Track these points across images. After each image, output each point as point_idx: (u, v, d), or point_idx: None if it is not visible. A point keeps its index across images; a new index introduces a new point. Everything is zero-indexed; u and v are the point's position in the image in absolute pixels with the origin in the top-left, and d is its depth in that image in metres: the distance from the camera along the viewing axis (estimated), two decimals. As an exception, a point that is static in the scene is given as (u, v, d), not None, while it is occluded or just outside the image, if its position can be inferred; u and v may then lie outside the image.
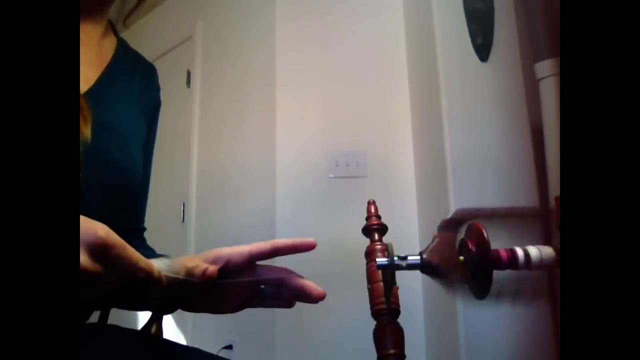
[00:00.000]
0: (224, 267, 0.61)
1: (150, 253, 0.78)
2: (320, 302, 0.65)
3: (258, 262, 0.66)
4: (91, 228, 0.46)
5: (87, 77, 0.70)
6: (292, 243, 0.64)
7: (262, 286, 0.67)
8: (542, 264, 0.53)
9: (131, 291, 0.55)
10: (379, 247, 0.68)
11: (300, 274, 0.66)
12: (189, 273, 0.60)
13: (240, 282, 0.65)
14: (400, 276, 0.62)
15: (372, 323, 0.65)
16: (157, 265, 0.54)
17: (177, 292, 0.61)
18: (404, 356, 0.62)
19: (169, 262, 0.67)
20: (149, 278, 0.50)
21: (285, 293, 0.66)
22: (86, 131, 0.64)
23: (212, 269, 0.59)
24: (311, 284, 0.64)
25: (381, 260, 0.59)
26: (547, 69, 1.18)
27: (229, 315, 0.69)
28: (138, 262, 0.49)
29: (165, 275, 0.59)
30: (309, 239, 0.64)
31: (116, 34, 0.81)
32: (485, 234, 0.53)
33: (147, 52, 0.99)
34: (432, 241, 0.59)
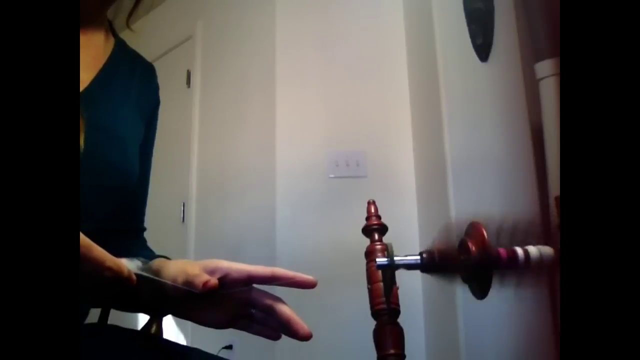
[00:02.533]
0: (221, 279, 0.61)
1: (149, 254, 0.78)
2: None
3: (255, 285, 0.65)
4: None
5: (82, 79, 0.70)
6: (293, 277, 0.62)
7: (253, 310, 0.66)
8: (542, 264, 0.53)
9: (102, 291, 0.54)
10: (379, 247, 0.68)
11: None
12: (189, 281, 0.59)
13: (233, 300, 0.64)
14: (400, 276, 0.61)
15: (372, 323, 0.65)
16: (129, 265, 0.54)
17: (170, 297, 0.61)
18: (404, 356, 0.62)
19: (164, 266, 0.67)
20: (117, 277, 0.50)
21: (273, 322, 0.65)
22: (79, 139, 0.63)
23: (214, 281, 0.58)
24: (298, 321, 0.63)
25: (381, 260, 0.59)
26: (547, 69, 1.18)
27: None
28: (105, 262, 0.49)
29: (159, 280, 0.59)
30: (310, 277, 0.63)
31: (114, 35, 0.81)
32: (485, 234, 0.53)
33: (147, 52, 0.99)
34: (433, 240, 0.59)
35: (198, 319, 0.67)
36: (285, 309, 0.64)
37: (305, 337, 0.62)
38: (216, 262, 0.63)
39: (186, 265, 0.62)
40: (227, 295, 0.64)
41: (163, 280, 0.60)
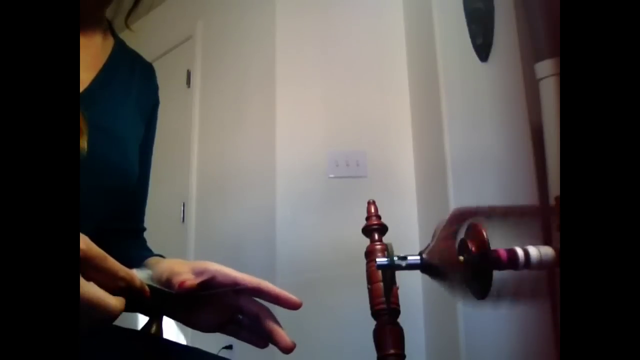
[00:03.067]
0: (207, 281, 0.61)
1: (148, 254, 0.78)
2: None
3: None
4: None
5: (82, 79, 0.70)
6: (277, 294, 0.62)
7: (241, 316, 0.66)
8: (542, 264, 0.53)
9: None
10: (379, 247, 0.68)
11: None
12: (170, 278, 0.59)
13: (221, 305, 0.64)
14: (400, 276, 0.62)
15: (372, 323, 0.65)
16: (140, 275, 0.54)
17: (156, 299, 0.61)
18: (404, 356, 0.62)
19: (155, 264, 0.66)
20: (130, 287, 0.50)
21: (260, 329, 0.65)
22: (82, 142, 0.63)
23: (191, 282, 0.58)
24: (281, 333, 0.63)
25: (381, 260, 0.59)
26: (547, 69, 1.18)
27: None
28: (118, 272, 0.49)
29: (161, 288, 0.59)
30: (295, 298, 0.62)
31: (114, 34, 0.81)
32: (485, 234, 0.53)
33: (147, 52, 0.99)
34: (432, 239, 0.59)
35: (187, 321, 0.67)
36: (269, 319, 0.64)
37: (286, 350, 0.62)
38: (206, 264, 0.63)
39: (175, 264, 0.63)
40: (214, 299, 0.63)
41: (165, 290, 0.60)
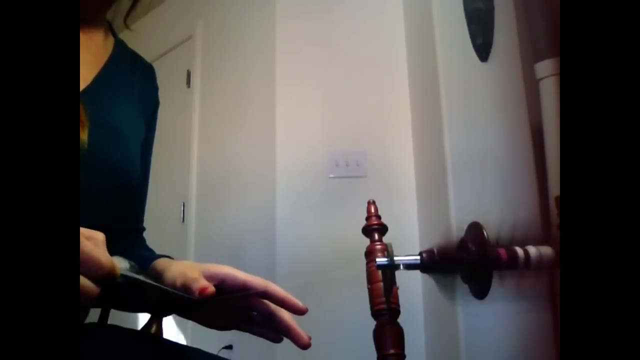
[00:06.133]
0: (217, 285, 0.62)
1: (149, 254, 0.78)
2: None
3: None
4: None
5: (84, 77, 0.70)
6: (283, 298, 0.63)
7: (254, 313, 0.67)
8: (541, 264, 0.53)
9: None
10: (379, 247, 0.68)
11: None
12: (187, 285, 0.60)
13: (233, 304, 0.65)
14: (400, 276, 0.62)
15: (372, 323, 0.65)
16: (122, 265, 0.54)
17: (170, 302, 0.62)
18: (404, 356, 0.62)
19: (165, 268, 0.66)
20: (113, 275, 0.48)
21: (274, 325, 0.65)
22: (83, 136, 0.63)
23: (211, 289, 0.59)
24: (298, 331, 0.64)
25: (381, 260, 0.59)
26: (547, 69, 1.18)
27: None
28: (99, 259, 0.46)
29: (158, 285, 0.59)
30: (301, 304, 0.63)
31: (114, 34, 0.81)
32: (485, 234, 0.53)
33: (147, 52, 0.99)
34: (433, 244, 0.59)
35: (199, 320, 0.68)
36: (285, 317, 0.64)
37: (303, 347, 0.63)
38: (216, 267, 0.63)
39: (187, 268, 0.63)
40: (225, 299, 0.64)
41: (163, 286, 0.60)
